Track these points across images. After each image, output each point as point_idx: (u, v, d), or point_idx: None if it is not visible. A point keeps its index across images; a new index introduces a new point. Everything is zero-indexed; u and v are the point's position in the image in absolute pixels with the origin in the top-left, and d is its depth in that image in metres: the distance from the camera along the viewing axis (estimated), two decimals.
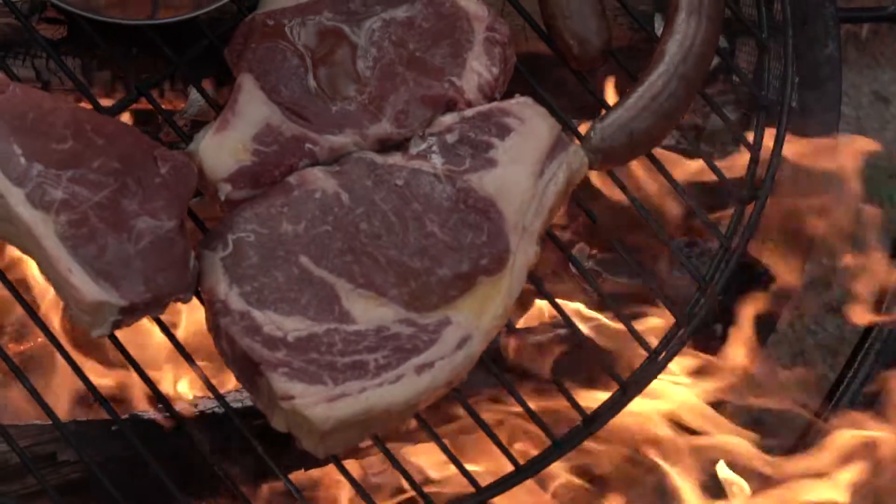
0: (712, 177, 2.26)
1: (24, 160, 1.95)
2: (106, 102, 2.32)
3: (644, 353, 2.17)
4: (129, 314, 1.96)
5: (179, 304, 2.02)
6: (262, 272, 2.00)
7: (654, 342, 2.18)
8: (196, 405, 2.28)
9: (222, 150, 2.05)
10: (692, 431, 2.34)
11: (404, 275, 2.02)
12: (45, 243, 1.93)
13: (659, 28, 2.51)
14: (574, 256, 2.21)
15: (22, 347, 2.54)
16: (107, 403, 2.07)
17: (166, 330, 2.08)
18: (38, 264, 1.99)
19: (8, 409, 2.43)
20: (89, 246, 1.94)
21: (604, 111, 2.19)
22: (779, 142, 2.24)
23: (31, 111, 1.99)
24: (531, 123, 2.10)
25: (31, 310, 2.10)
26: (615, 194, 2.28)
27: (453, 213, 2.05)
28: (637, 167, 2.35)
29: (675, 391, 2.32)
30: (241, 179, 2.05)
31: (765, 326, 2.42)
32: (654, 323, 2.24)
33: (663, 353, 2.16)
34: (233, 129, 2.06)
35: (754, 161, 2.26)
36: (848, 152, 2.33)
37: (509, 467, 2.11)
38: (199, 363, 2.10)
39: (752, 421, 2.46)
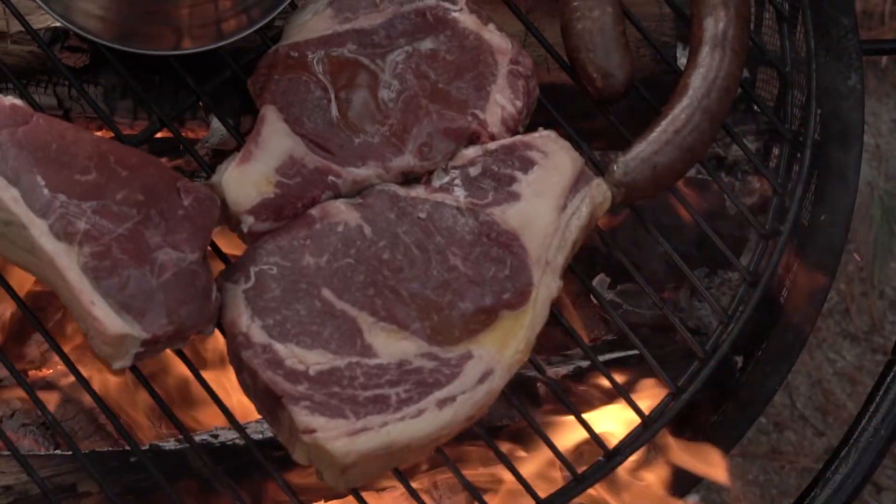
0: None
1: (47, 191, 1.95)
2: (128, 131, 2.33)
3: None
4: (152, 347, 1.96)
5: None
6: (285, 305, 2.00)
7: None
8: (216, 436, 2.27)
9: (245, 181, 2.05)
10: None
11: (427, 308, 2.01)
12: (68, 275, 1.93)
13: (681, 59, 2.51)
14: (595, 288, 2.20)
15: (42, 374, 2.54)
16: (126, 434, 2.07)
17: (188, 363, 2.08)
18: (61, 296, 1.99)
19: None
20: (112, 278, 1.94)
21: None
22: (803, 176, 2.23)
23: (54, 142, 1.99)
24: (554, 157, 2.10)
25: (53, 341, 2.09)
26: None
27: (476, 246, 2.05)
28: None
29: None
30: (263, 211, 2.05)
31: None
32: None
33: (686, 388, 2.15)
34: (256, 161, 2.06)
35: (778, 194, 2.25)
36: None
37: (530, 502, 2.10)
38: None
39: None
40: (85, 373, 2.10)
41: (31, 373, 2.51)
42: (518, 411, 2.12)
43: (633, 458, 2.15)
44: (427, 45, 2.15)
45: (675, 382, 2.16)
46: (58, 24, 2.23)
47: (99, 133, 2.33)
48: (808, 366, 3.19)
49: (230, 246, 2.15)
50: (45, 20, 2.29)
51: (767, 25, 2.59)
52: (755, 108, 2.65)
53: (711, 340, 2.18)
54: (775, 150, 2.49)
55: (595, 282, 2.51)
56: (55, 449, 2.46)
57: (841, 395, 3.14)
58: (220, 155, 2.43)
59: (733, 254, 2.21)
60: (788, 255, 2.35)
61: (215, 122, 2.34)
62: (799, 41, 2.38)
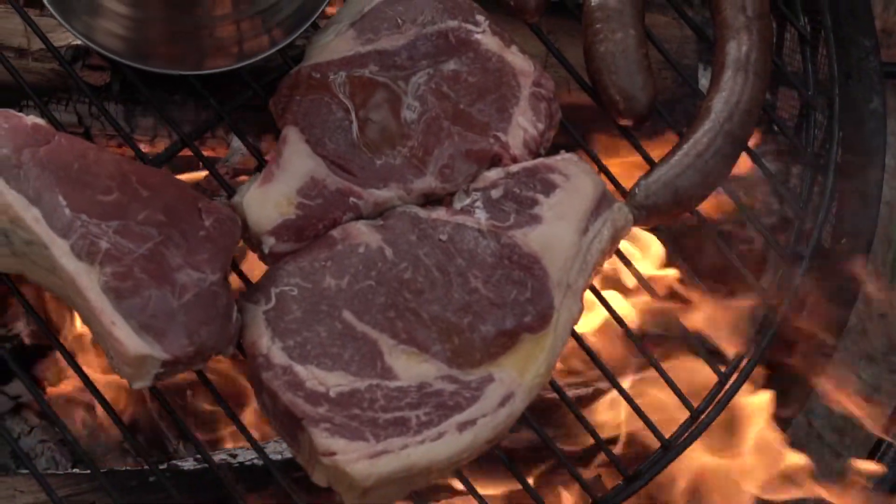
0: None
1: (68, 211, 1.95)
2: (147, 148, 2.34)
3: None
4: (172, 367, 1.95)
5: None
6: (305, 326, 1.99)
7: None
8: (235, 456, 2.27)
9: (267, 202, 2.05)
10: None
11: (447, 331, 2.01)
12: (89, 295, 1.93)
13: (702, 80, 2.51)
14: (616, 313, 2.19)
15: (59, 390, 2.54)
16: (145, 452, 2.06)
17: (209, 383, 2.07)
18: (82, 315, 1.99)
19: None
20: (133, 299, 1.94)
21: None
22: (825, 199, 2.23)
23: (76, 161, 1.99)
24: (576, 180, 2.09)
25: (72, 358, 2.09)
26: None
27: (497, 269, 2.04)
28: None
29: None
30: (284, 232, 2.05)
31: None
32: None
33: (706, 412, 2.15)
34: (277, 182, 2.06)
35: (799, 218, 2.24)
36: None
37: None
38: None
39: None
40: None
41: (50, 389, 2.50)
42: (539, 435, 2.11)
43: None
44: (449, 66, 2.14)
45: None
46: (79, 42, 2.23)
47: (118, 151, 2.34)
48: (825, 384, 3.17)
49: (250, 266, 2.15)
50: (66, 38, 2.29)
51: (788, 46, 2.58)
52: (774, 127, 2.64)
53: (732, 364, 2.18)
54: (794, 170, 2.49)
55: None
56: (73, 465, 2.46)
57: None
58: (240, 174, 2.43)
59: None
60: (809, 277, 2.34)
61: (235, 141, 2.34)
62: (821, 63, 2.38)
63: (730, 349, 2.21)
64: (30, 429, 2.49)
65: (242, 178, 2.42)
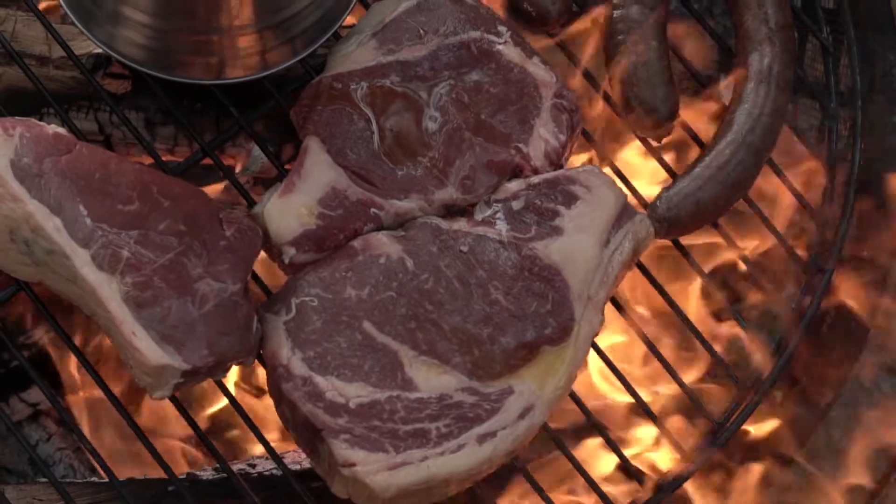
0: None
1: (89, 221, 1.95)
2: (168, 157, 2.33)
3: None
4: (192, 377, 1.95)
5: None
6: (325, 337, 1.99)
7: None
8: (254, 466, 2.26)
9: (287, 213, 2.05)
10: None
11: (468, 342, 2.00)
12: (110, 305, 1.93)
13: (723, 91, 2.49)
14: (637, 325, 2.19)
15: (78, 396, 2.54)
16: (164, 462, 2.06)
17: (229, 395, 2.07)
18: (102, 325, 1.99)
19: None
20: (153, 309, 1.93)
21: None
22: (847, 213, 2.22)
23: (97, 171, 1.99)
24: (598, 192, 2.09)
25: (89, 364, 2.09)
26: None
27: (518, 280, 2.04)
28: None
29: None
30: (305, 243, 2.04)
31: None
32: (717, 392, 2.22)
33: (726, 426, 2.14)
34: (298, 193, 2.06)
35: (821, 230, 2.24)
36: None
37: None
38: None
39: None
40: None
41: (68, 396, 2.50)
42: (559, 448, 2.11)
43: None
44: (471, 77, 2.14)
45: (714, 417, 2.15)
46: (100, 51, 2.23)
47: (138, 159, 2.33)
48: (844, 398, 3.16)
49: (270, 276, 2.15)
50: (87, 46, 2.29)
51: (809, 56, 2.57)
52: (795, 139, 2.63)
53: (752, 379, 2.17)
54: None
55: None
56: (91, 473, 2.46)
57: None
58: (260, 182, 2.43)
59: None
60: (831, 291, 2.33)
61: (256, 150, 2.33)
62: (843, 74, 2.37)
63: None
64: (48, 436, 2.49)
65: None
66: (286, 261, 2.05)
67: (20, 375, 2.50)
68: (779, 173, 2.25)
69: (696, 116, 2.35)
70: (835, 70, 2.36)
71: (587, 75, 2.26)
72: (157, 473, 2.16)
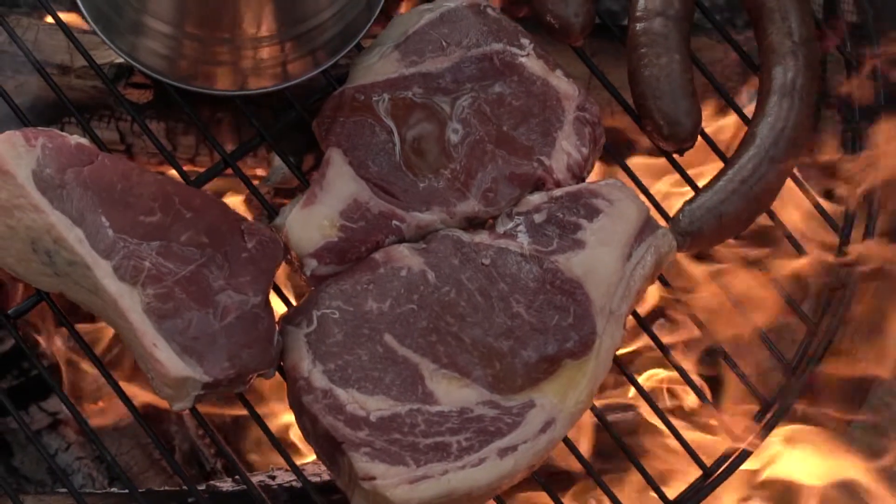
0: None
1: (111, 232, 1.95)
2: (189, 167, 2.33)
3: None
4: (212, 389, 1.95)
5: None
6: (346, 350, 1.99)
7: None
8: (274, 478, 2.26)
9: (309, 224, 2.05)
10: None
11: (489, 356, 2.00)
12: (131, 317, 1.93)
13: (746, 104, 2.49)
14: (657, 337, 2.18)
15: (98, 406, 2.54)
16: (183, 473, 2.06)
17: (250, 407, 2.07)
18: (123, 336, 1.99)
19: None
20: (175, 320, 1.93)
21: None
22: (870, 226, 2.21)
23: (119, 182, 1.99)
24: (620, 205, 2.08)
25: (110, 376, 2.09)
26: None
27: (539, 294, 2.03)
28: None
29: None
30: (327, 255, 2.04)
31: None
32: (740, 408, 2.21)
33: (748, 439, 2.13)
34: (320, 204, 2.05)
35: (843, 244, 2.23)
36: None
37: None
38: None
39: None
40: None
41: (87, 406, 2.50)
42: (580, 462, 2.10)
43: None
44: (494, 89, 2.13)
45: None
46: (122, 61, 2.23)
47: (159, 169, 2.34)
48: (864, 409, 3.15)
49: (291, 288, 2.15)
50: (109, 55, 2.29)
51: (831, 69, 2.56)
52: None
53: (774, 394, 2.17)
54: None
55: (655, 327, 2.48)
56: (109, 482, 2.46)
57: None
58: (281, 193, 2.43)
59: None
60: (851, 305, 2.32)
61: (277, 161, 2.33)
62: (865, 87, 2.36)
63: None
64: (67, 445, 2.49)
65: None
66: (308, 273, 2.05)
67: (39, 384, 2.50)
68: (803, 187, 2.24)
69: (718, 129, 2.35)
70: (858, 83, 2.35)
71: (609, 87, 2.26)
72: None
